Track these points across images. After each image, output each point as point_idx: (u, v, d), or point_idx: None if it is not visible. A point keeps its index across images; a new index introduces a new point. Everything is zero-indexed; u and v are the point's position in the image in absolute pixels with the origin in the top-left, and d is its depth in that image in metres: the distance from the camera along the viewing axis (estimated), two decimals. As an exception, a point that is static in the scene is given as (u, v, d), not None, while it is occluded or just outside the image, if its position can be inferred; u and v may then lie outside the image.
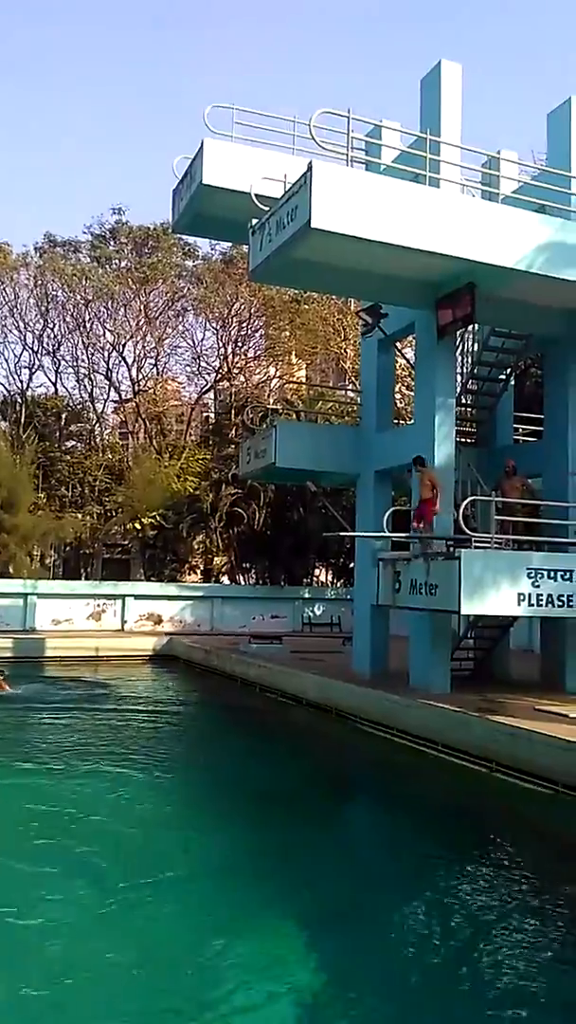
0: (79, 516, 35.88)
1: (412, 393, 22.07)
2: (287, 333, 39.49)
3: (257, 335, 41.01)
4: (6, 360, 40.29)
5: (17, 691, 17.58)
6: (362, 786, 11.84)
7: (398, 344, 18.12)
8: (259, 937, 6.22)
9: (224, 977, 5.55)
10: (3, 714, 15.26)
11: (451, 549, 13.47)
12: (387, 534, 15.23)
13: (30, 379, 40.23)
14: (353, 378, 33.72)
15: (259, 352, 41.31)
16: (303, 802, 10.34)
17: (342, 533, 14.64)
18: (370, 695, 14.51)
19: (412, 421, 16.83)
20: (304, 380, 42.72)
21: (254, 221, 13.92)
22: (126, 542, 36.78)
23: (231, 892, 7.11)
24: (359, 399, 19.82)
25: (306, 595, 30.90)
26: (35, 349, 39.69)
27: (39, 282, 38.38)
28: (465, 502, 13.00)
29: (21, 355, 39.90)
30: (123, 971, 5.61)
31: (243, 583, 34.69)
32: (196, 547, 35.54)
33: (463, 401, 17.18)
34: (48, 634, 25.77)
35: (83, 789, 10.11)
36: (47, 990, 5.36)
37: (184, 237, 35.25)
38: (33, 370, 40.13)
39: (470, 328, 16.15)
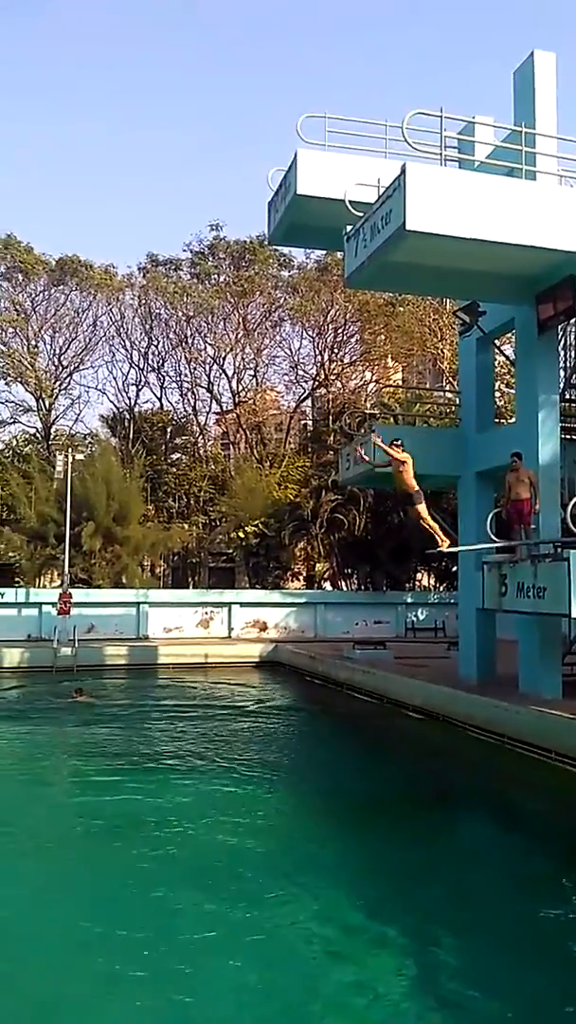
0: (185, 526, 36.89)
1: (512, 391, 21.56)
2: (383, 337, 39.33)
3: (353, 340, 41.05)
4: (115, 379, 41.98)
5: (94, 701, 18.04)
6: (474, 796, 11.60)
7: (496, 341, 17.77)
8: (369, 956, 6.14)
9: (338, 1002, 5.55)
10: (119, 721, 15.89)
11: (559, 550, 13.06)
12: (490, 544, 14.61)
13: (137, 395, 41.81)
14: (451, 378, 33.21)
15: (355, 357, 41.32)
16: (415, 812, 10.20)
17: (440, 550, 14.35)
18: (479, 701, 14.25)
19: (514, 420, 16.45)
20: (401, 383, 42.42)
21: (348, 228, 14.02)
22: (230, 550, 37.50)
23: (344, 907, 7.05)
24: (458, 399, 19.54)
25: (409, 600, 30.62)
26: (141, 366, 41.23)
27: (143, 301, 39.84)
28: (573, 502, 12.59)
29: (128, 373, 41.54)
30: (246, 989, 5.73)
31: (345, 589, 34.70)
32: (298, 554, 35.84)
33: (567, 396, 16.66)
34: (160, 641, 26.61)
35: (196, 794, 10.37)
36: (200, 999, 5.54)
37: (280, 248, 35.75)
38: (140, 387, 41.69)
39: (572, 321, 15.67)
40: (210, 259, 40.50)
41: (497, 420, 20.23)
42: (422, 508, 13.23)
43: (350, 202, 13.76)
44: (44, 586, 31.37)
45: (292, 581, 36.88)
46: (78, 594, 26.09)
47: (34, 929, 6.43)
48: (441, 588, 33.97)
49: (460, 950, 6.20)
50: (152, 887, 7.15)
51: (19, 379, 39.59)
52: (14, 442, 41.70)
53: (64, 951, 6.04)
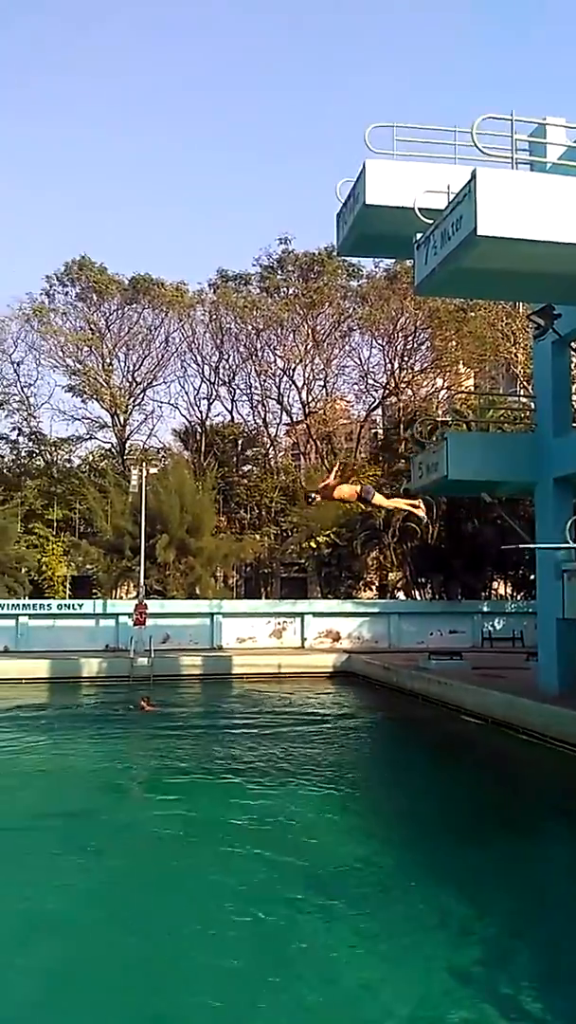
0: (257, 537, 37.21)
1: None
2: (454, 343, 38.95)
3: (423, 347, 40.82)
4: (187, 393, 42.83)
5: (160, 710, 18.27)
6: (560, 810, 11.29)
7: (573, 344, 17.34)
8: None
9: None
10: (196, 732, 16.09)
11: None
12: (569, 545, 14.47)
13: (208, 409, 42.56)
14: (525, 383, 32.56)
15: (426, 364, 41.03)
16: (498, 828, 9.96)
17: (523, 545, 14.08)
18: (561, 714, 13.86)
19: (593, 424, 16.02)
20: (473, 389, 41.87)
21: (418, 235, 13.94)
22: (302, 561, 37.61)
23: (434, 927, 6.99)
24: (533, 404, 19.14)
25: (485, 609, 30.03)
26: (212, 380, 41.94)
27: (213, 316, 40.56)
28: None
29: (200, 387, 42.32)
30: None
31: (419, 598, 34.32)
32: (370, 563, 35.65)
33: None
34: (234, 651, 26.84)
35: (275, 804, 10.39)
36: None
37: (348, 258, 35.88)
38: (211, 400, 42.45)
39: None
40: (279, 272, 40.95)
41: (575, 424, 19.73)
42: (379, 499, 12.23)
43: (419, 210, 13.68)
44: (120, 597, 32.08)
45: (364, 591, 36.70)
46: (153, 605, 26.56)
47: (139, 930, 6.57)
48: (519, 597, 33.23)
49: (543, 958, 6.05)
50: (233, 896, 7.20)
51: (95, 396, 40.83)
52: (91, 457, 43.02)
53: (167, 952, 6.16)
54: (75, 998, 5.56)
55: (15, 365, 40.76)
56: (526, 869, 8.42)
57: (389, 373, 40.29)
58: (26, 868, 7.91)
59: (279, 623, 29.05)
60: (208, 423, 42.14)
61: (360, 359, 41.58)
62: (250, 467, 42.81)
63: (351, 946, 6.34)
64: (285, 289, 40.74)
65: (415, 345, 40.23)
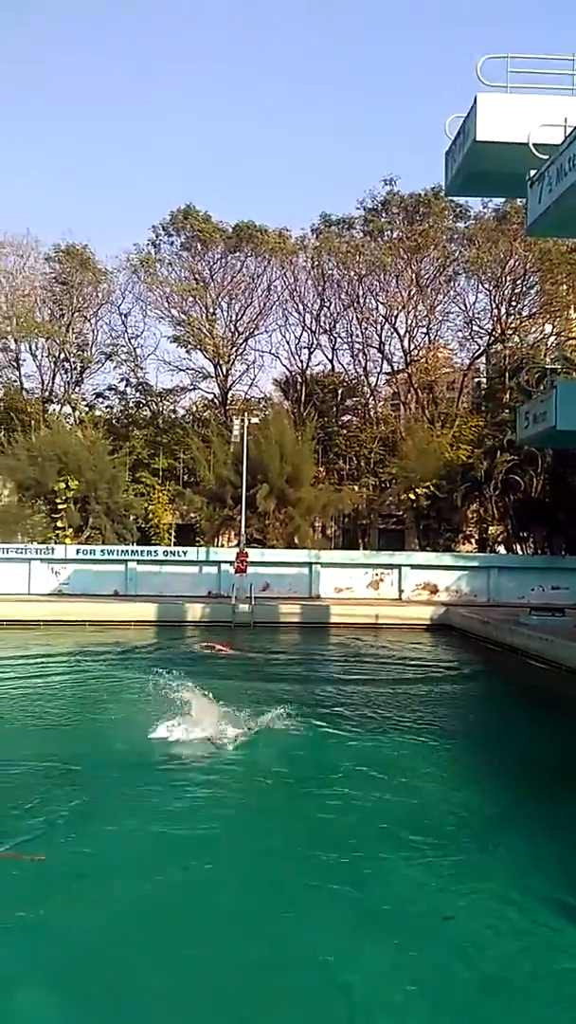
0: (356, 488, 37.12)
1: None
2: (565, 287, 37.02)
3: (532, 292, 39.01)
4: (287, 342, 42.63)
5: (238, 652, 18.68)
6: None
7: None
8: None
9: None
10: (295, 678, 16.50)
11: None
12: None
13: (309, 358, 42.31)
14: None
15: (535, 310, 39.26)
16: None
17: None
18: None
19: None
20: (586, 335, 39.84)
21: (532, 172, 13.36)
22: (400, 512, 37.35)
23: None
24: None
25: (591, 565, 29.09)
26: (313, 329, 41.60)
27: (316, 263, 39.98)
28: None
29: (301, 336, 42.07)
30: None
31: (520, 553, 33.55)
32: (470, 516, 35.03)
33: None
34: (331, 601, 27.18)
35: (372, 750, 10.59)
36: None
37: (456, 199, 34.51)
38: (312, 349, 42.14)
39: None
40: (383, 215, 39.82)
41: None
42: None
43: (534, 145, 13.11)
44: (222, 546, 32.88)
45: (464, 544, 36.15)
46: (253, 554, 27.13)
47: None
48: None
49: None
50: (339, 840, 7.45)
51: (199, 346, 41.30)
52: (194, 407, 43.77)
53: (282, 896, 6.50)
54: (204, 906, 6.07)
55: (123, 317, 41.71)
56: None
57: (495, 319, 38.84)
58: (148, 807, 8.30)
59: (376, 574, 29.11)
60: (308, 373, 41.96)
61: (465, 304, 40.24)
62: (349, 417, 42.50)
63: (444, 886, 6.51)
64: (389, 232, 39.58)
65: (524, 289, 38.52)
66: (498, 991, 5.18)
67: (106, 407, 43.30)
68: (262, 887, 6.54)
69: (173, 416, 42.83)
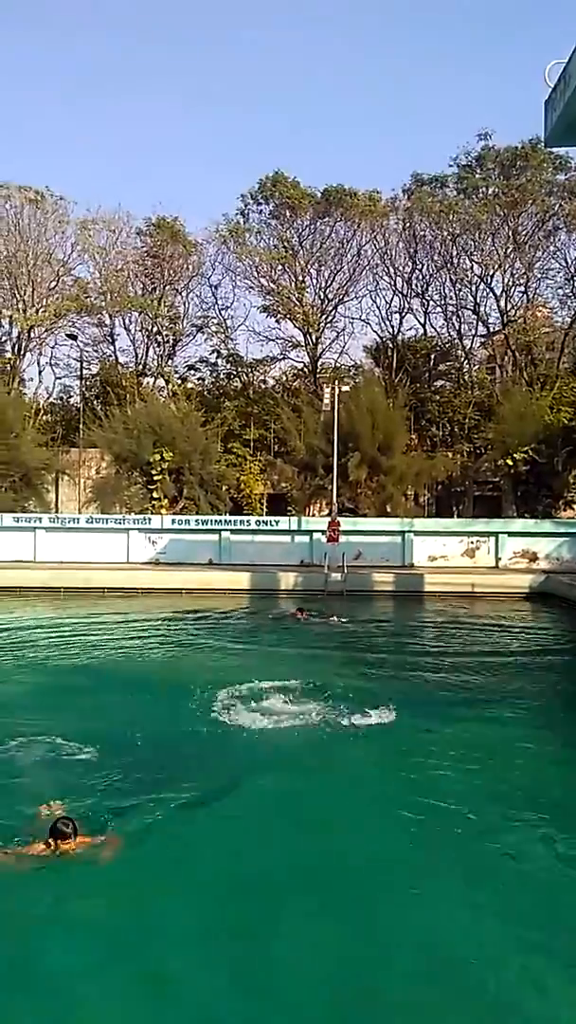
0: (449, 455, 36.39)
1: None
2: None
3: None
4: (378, 308, 41.85)
5: (320, 619, 18.75)
6: None
7: None
8: None
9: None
10: (391, 650, 16.44)
11: None
12: None
13: (400, 323, 41.48)
14: None
15: None
16: None
17: None
18: None
19: None
20: None
21: None
22: (496, 479, 36.42)
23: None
24: None
25: None
26: (404, 293, 40.67)
27: (407, 225, 38.96)
28: None
29: (392, 300, 41.23)
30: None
31: (627, 519, 32.17)
32: (572, 481, 33.78)
33: None
34: (425, 570, 26.87)
35: (474, 730, 10.40)
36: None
37: (556, 150, 32.76)
38: (403, 314, 41.27)
39: None
40: (478, 171, 38.33)
41: None
42: None
43: None
44: (314, 515, 32.97)
45: (565, 510, 34.97)
46: (345, 523, 27.07)
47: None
48: None
49: None
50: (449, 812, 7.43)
51: (288, 316, 41.12)
52: (284, 377, 43.78)
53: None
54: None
55: (213, 288, 41.96)
56: None
57: (599, 274, 36.99)
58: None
59: (472, 542, 28.56)
60: (400, 338, 41.16)
61: (566, 260, 38.42)
62: (443, 382, 41.54)
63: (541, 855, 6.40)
64: (484, 189, 38.09)
65: (632, 240, 36.44)
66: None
67: (198, 379, 43.91)
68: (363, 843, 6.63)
69: (263, 386, 43.00)
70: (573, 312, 39.20)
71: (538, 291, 39.88)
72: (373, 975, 5.04)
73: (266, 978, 4.99)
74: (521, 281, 38.93)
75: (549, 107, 16.48)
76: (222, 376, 43.91)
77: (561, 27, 65.44)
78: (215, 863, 6.40)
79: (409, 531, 28.54)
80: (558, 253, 38.42)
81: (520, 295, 39.36)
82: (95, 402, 40.58)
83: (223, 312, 42.40)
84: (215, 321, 42.56)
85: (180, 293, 41.79)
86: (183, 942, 5.30)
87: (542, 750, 9.54)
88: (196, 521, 29.28)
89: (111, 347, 42.35)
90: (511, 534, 28.40)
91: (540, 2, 78.02)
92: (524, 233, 37.59)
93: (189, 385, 42.41)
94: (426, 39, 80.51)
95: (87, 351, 41.95)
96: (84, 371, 40.96)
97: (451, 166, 38.98)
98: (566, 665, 15.18)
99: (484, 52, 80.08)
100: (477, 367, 42.46)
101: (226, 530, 28.86)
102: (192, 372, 44.02)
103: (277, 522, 29.58)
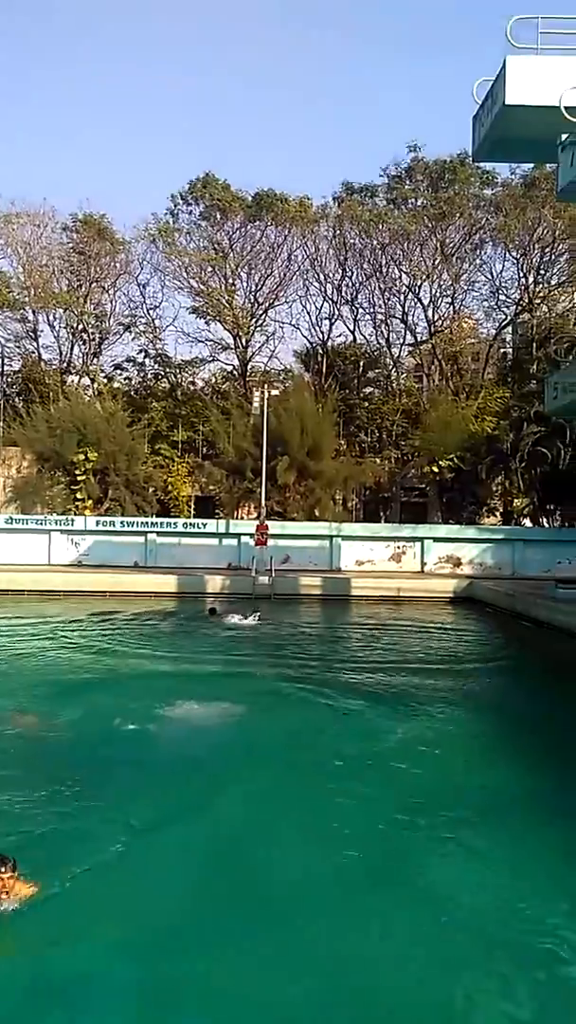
0: (377, 461, 36.83)
1: None
2: (597, 254, 36.11)
3: (562, 260, 38.04)
4: (308, 313, 42.01)
5: (233, 619, 18.68)
6: None
7: None
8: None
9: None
10: (315, 651, 16.45)
11: None
12: None
13: (330, 329, 41.72)
14: None
15: (564, 278, 38.34)
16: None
17: None
18: None
19: None
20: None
21: (564, 136, 12.91)
22: (423, 485, 37.06)
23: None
24: None
25: (620, 539, 28.72)
26: (334, 299, 40.94)
27: (337, 232, 39.25)
28: None
29: (322, 307, 41.45)
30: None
31: (546, 526, 33.19)
32: (495, 489, 34.69)
33: None
34: (352, 574, 27.09)
35: (397, 726, 10.48)
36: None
37: (482, 165, 33.60)
38: (333, 320, 41.52)
39: None
40: (407, 182, 38.93)
41: None
42: None
43: (566, 108, 12.63)
44: (242, 518, 32.85)
45: (488, 517, 35.87)
46: (274, 526, 27.05)
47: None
48: None
49: None
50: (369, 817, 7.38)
51: (218, 318, 40.86)
52: (214, 379, 43.49)
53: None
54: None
55: (141, 287, 41.29)
56: None
57: (523, 288, 38.02)
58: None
59: (399, 547, 28.96)
60: (329, 344, 41.43)
61: (491, 273, 39.38)
62: (371, 389, 42.01)
63: (461, 860, 6.43)
64: (413, 200, 38.71)
65: (553, 257, 37.57)
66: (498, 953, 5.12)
67: (124, 379, 43.17)
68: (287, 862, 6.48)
69: (192, 388, 42.56)
70: (498, 324, 40.27)
71: (464, 303, 40.76)
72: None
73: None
74: (448, 292, 39.75)
75: (477, 123, 16.92)
76: (150, 376, 43.29)
77: (492, 44, 67.46)
78: (133, 897, 5.85)
79: (337, 536, 28.75)
80: (484, 266, 39.40)
81: (447, 306, 40.18)
82: (16, 399, 39.42)
83: (151, 312, 41.85)
84: (143, 320, 41.96)
85: (107, 291, 41.01)
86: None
87: (465, 751, 9.68)
88: (122, 523, 28.77)
89: (34, 344, 41.22)
90: (436, 540, 28.93)
91: (471, 19, 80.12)
92: (451, 245, 38.38)
93: (115, 384, 41.59)
94: (357, 47, 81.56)
95: (8, 347, 40.78)
96: (4, 367, 39.79)
97: (381, 176, 39.50)
98: (488, 668, 15.49)
99: (415, 64, 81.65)
100: (405, 375, 43.10)
101: (152, 532, 28.45)
102: (119, 372, 43.25)
103: (205, 525, 29.34)
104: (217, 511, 34.36)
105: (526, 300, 37.77)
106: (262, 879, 6.15)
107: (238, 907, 5.73)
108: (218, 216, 39.74)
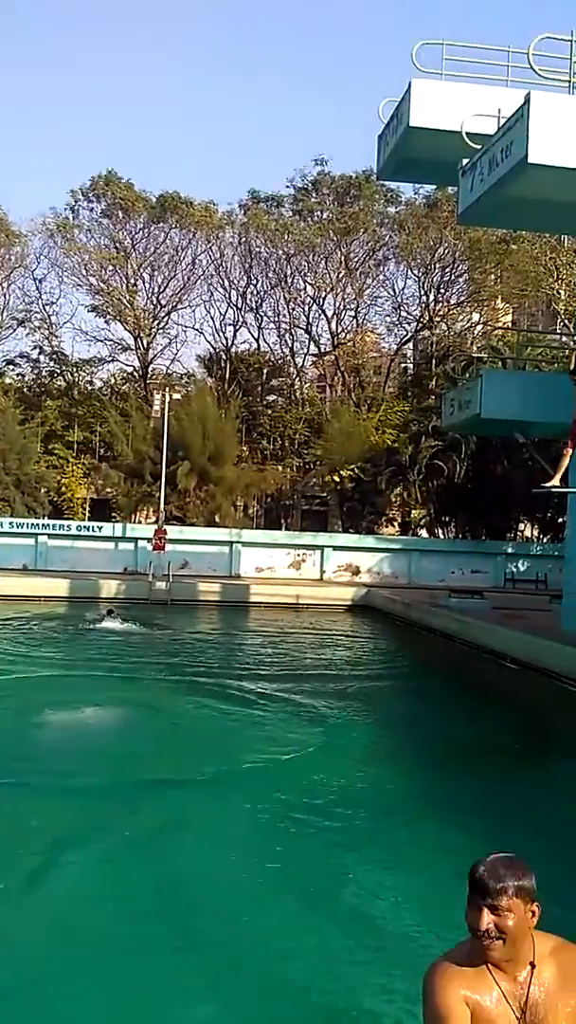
0: (279, 468, 37.06)
1: None
2: (493, 276, 37.72)
3: (461, 280, 39.59)
4: (212, 318, 41.93)
5: (124, 625, 18.48)
6: (568, 750, 11.39)
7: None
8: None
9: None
10: (212, 654, 16.30)
11: None
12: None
13: (234, 336, 41.77)
14: (567, 321, 31.59)
15: (463, 298, 39.87)
16: (508, 763, 10.08)
17: (554, 487, 13.85)
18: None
19: None
20: (511, 325, 40.71)
21: (464, 161, 13.35)
22: (324, 494, 37.56)
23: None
24: (573, 343, 18.59)
25: (509, 550, 29.92)
26: (239, 306, 41.01)
27: (243, 239, 39.37)
28: None
29: (226, 312, 41.44)
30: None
31: (442, 536, 34.24)
32: (394, 499, 35.52)
33: None
34: (252, 580, 27.05)
35: (281, 727, 10.48)
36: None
37: (387, 183, 34.50)
38: (237, 327, 41.60)
39: None
40: (313, 195, 39.51)
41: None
42: None
43: (467, 134, 13.06)
44: (140, 522, 32.29)
45: (386, 527, 36.67)
46: (173, 531, 26.70)
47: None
48: (545, 539, 33.00)
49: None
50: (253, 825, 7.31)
51: (118, 318, 40.17)
52: (113, 380, 42.66)
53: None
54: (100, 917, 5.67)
55: (37, 282, 40.06)
56: (524, 801, 8.48)
57: (423, 306, 39.22)
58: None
59: (299, 555, 29.16)
60: (233, 350, 41.46)
61: (394, 290, 40.49)
62: (275, 397, 42.29)
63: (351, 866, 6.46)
64: (319, 213, 39.34)
65: (452, 277, 39.01)
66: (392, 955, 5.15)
67: (17, 375, 41.73)
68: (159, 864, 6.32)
69: (90, 388, 41.60)
70: (399, 340, 41.36)
71: (367, 317, 41.73)
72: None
73: None
74: (352, 306, 40.54)
75: (382, 142, 17.29)
76: (44, 374, 42.02)
77: (400, 65, 69.30)
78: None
79: (237, 542, 28.67)
80: (387, 282, 40.46)
81: (350, 319, 40.99)
82: None
83: (47, 308, 40.69)
84: (38, 316, 40.73)
85: (0, 284, 39.60)
86: None
87: (358, 756, 9.75)
88: (10, 524, 27.66)
89: None
90: (336, 548, 29.30)
91: (382, 38, 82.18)
92: (356, 260, 39.20)
93: (7, 381, 40.11)
94: (265, 53, 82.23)
95: None
96: None
97: (288, 187, 39.96)
98: (382, 674, 15.74)
99: (325, 77, 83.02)
100: (308, 385, 43.65)
101: (44, 534, 27.51)
102: (11, 368, 41.75)
103: (101, 528, 28.63)
104: (114, 515, 33.66)
105: (427, 318, 38.97)
106: (148, 895, 5.96)
107: (124, 923, 5.54)
108: (120, 215, 39.12)
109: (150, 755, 9.29)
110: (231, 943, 5.29)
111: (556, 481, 13.83)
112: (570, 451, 13.41)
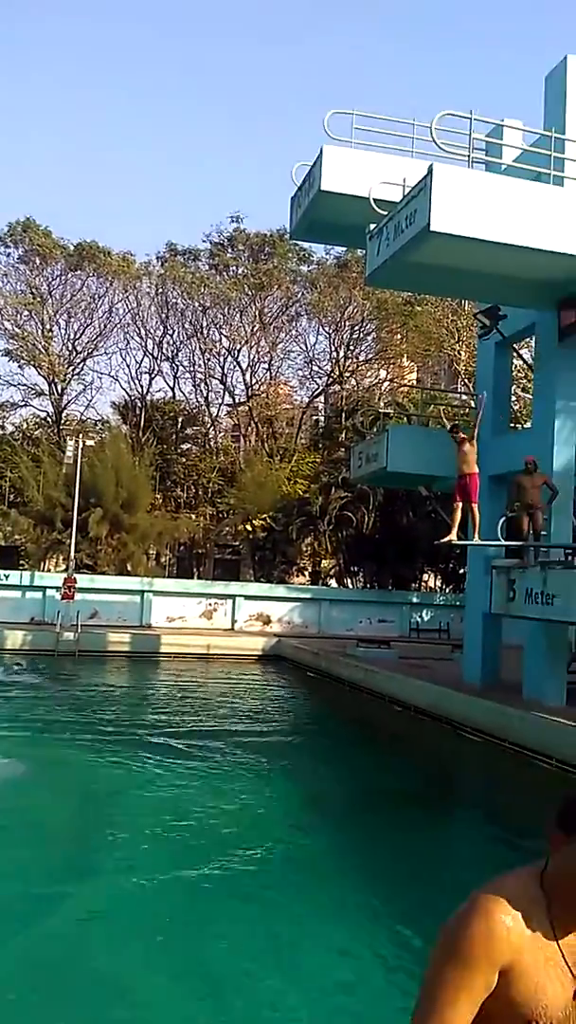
0: (193, 517, 36.93)
1: (529, 396, 21.46)
2: (399, 336, 39.27)
3: (369, 338, 41.02)
4: (128, 366, 41.94)
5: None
6: (470, 797, 11.66)
7: (515, 345, 17.70)
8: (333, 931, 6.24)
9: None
10: (117, 705, 15.91)
11: (570, 558, 13.04)
12: (501, 542, 14.90)
13: (150, 384, 41.81)
14: (467, 380, 33.13)
15: (371, 355, 41.28)
16: (409, 811, 10.24)
17: (456, 541, 14.41)
18: (483, 705, 14.23)
19: (529, 425, 16.39)
20: (416, 383, 42.35)
21: (372, 226, 13.98)
22: (237, 543, 37.57)
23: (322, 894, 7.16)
24: (472, 402, 19.50)
25: (414, 600, 30.58)
26: (155, 355, 41.22)
27: (160, 290, 39.81)
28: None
29: (142, 361, 41.54)
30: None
31: (351, 586, 34.72)
32: (305, 549, 35.87)
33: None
34: (163, 630, 26.64)
35: (193, 781, 10.38)
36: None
37: (300, 242, 35.70)
38: (153, 375, 41.70)
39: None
40: (229, 251, 40.44)
41: (512, 425, 20.19)
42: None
43: (374, 200, 13.70)
44: (49, 570, 31.45)
45: (297, 576, 36.93)
46: (83, 580, 26.12)
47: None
48: (447, 590, 33.95)
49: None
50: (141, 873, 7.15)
51: (32, 362, 39.66)
52: (25, 425, 41.83)
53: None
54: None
55: (-52, 324, 39.22)
56: (431, 851, 8.62)
57: (334, 361, 40.39)
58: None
59: (210, 604, 28.95)
60: (149, 398, 41.45)
61: (306, 345, 41.59)
62: (189, 446, 42.38)
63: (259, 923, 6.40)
64: (235, 268, 40.28)
65: (361, 335, 40.41)
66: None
67: None
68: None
69: (0, 433, 40.69)
70: (311, 393, 42.34)
71: (280, 370, 42.60)
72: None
73: None
74: (265, 358, 41.36)
75: (295, 203, 17.95)
76: (-49, 417, 40.88)
77: (314, 128, 72.40)
78: None
79: (148, 591, 28.25)
80: (299, 337, 41.53)
81: (264, 371, 41.75)
82: None
83: (-42, 350, 39.78)
84: (-52, 358, 39.76)
85: None
86: None
87: (266, 809, 9.70)
88: None
89: None
90: (247, 597, 29.26)
91: (294, 102, 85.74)
92: (269, 314, 40.15)
93: None
94: (191, 115, 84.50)
95: None
96: None
97: (204, 242, 40.81)
98: (291, 727, 15.73)
99: (240, 136, 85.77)
100: (223, 434, 43.96)
101: (-56, 582, 26.43)
102: None
103: (7, 576, 27.70)
104: (21, 562, 32.65)
105: (337, 372, 40.10)
106: (48, 960, 5.73)
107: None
108: (37, 261, 38.95)
109: (53, 815, 8.99)
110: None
111: (453, 536, 14.38)
112: (459, 504, 14.02)
